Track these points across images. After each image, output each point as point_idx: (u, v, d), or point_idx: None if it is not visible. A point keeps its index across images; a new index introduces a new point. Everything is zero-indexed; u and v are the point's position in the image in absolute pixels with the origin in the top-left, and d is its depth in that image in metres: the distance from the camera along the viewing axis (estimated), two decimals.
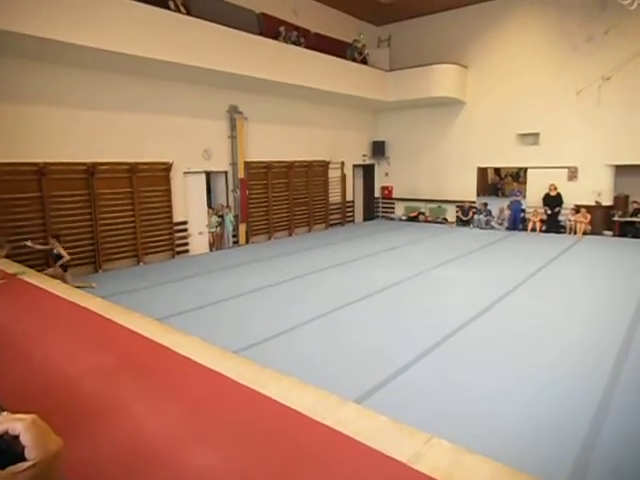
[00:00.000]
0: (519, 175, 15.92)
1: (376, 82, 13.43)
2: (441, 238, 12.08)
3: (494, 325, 5.55)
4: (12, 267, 5.65)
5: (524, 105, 12.91)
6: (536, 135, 12.95)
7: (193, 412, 2.15)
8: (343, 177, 14.34)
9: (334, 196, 14.16)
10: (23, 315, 3.63)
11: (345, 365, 4.46)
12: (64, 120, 7.98)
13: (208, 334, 3.70)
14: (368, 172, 15.95)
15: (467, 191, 14.25)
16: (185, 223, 10.14)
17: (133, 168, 8.89)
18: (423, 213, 15.27)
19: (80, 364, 2.60)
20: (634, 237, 11.54)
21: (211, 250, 10.80)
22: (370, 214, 16.01)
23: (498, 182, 17.62)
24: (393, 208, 16.03)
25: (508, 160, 13.89)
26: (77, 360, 2.66)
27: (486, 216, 13.64)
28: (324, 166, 13.62)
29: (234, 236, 11.28)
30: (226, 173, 11.08)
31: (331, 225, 14.05)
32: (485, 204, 13.85)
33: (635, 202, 11.85)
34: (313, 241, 11.74)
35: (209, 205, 11.03)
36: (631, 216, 11.83)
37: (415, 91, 13.41)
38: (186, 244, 10.23)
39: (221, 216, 11.01)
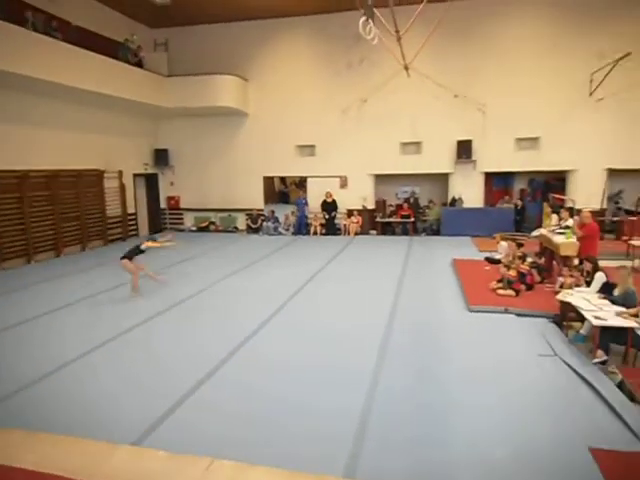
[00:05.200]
0: (303, 184, 17.16)
1: (154, 87, 12.66)
2: (232, 247, 12.07)
3: (288, 326, 5.73)
4: None
5: (301, 119, 13.95)
6: (312, 147, 14.16)
7: None
8: (122, 187, 13.04)
9: (113, 209, 12.73)
10: None
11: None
12: None
13: None
14: (151, 182, 14.93)
15: (255, 199, 14.68)
16: None
17: None
18: (214, 223, 15.07)
19: None
20: (392, 234, 13.84)
21: None
22: (156, 226, 14.94)
23: (284, 190, 18.66)
24: (182, 219, 15.39)
25: (290, 170, 14.85)
26: None
27: (274, 223, 14.25)
28: (98, 175, 12.13)
29: None
30: None
31: (111, 241, 12.57)
32: (272, 211, 14.47)
33: (390, 205, 14.01)
34: (85, 262, 10.19)
35: None
36: (388, 217, 14.02)
37: (196, 99, 13.15)
38: None
39: None
